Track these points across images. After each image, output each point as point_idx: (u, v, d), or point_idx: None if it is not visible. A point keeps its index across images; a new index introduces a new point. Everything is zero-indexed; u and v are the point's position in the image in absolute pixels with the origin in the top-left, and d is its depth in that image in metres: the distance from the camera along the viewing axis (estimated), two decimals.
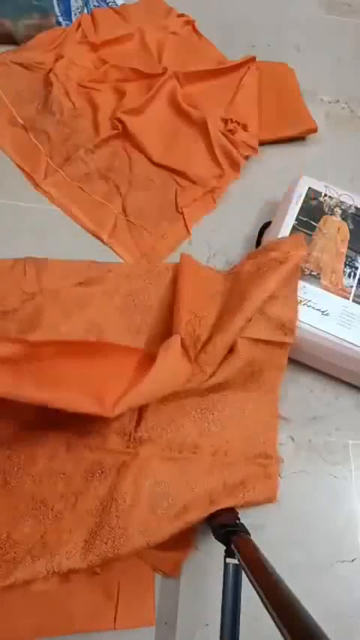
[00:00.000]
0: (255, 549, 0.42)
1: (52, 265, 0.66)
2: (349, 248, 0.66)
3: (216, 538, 0.49)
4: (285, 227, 0.66)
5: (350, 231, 0.68)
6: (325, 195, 0.70)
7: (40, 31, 0.87)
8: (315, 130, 0.85)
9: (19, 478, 0.52)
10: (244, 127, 0.82)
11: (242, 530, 0.48)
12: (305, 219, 0.67)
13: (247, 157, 0.82)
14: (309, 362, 0.65)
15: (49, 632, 0.49)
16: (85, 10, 0.92)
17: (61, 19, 0.90)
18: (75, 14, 0.91)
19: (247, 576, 0.37)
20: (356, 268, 0.65)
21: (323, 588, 0.55)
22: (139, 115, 0.80)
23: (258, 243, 0.73)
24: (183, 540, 0.53)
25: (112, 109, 0.80)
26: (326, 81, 0.94)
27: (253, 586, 0.35)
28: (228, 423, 0.58)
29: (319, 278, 0.63)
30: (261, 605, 0.32)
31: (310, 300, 0.60)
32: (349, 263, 0.65)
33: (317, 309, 0.60)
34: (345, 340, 0.58)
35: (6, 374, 0.47)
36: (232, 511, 0.54)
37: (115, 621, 0.50)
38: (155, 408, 0.56)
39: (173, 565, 0.53)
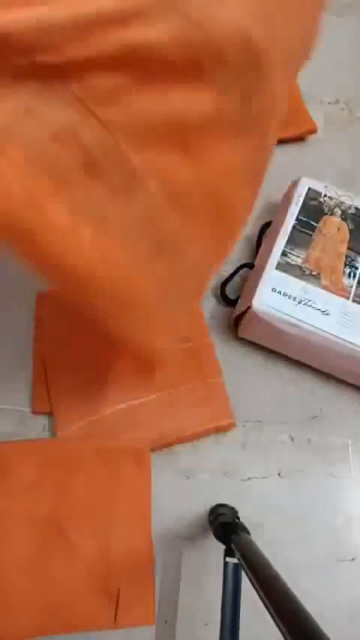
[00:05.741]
0: (255, 549, 0.42)
1: None
2: (348, 248, 0.66)
3: (216, 537, 0.49)
4: (285, 227, 0.66)
5: (350, 231, 0.68)
6: (325, 195, 0.70)
7: None
8: (315, 131, 0.85)
9: None
10: None
11: (242, 530, 0.48)
12: (305, 219, 0.67)
13: None
14: (309, 361, 0.65)
15: (49, 631, 0.49)
16: None
17: None
18: None
19: (247, 575, 0.37)
20: (356, 268, 0.65)
21: (323, 588, 0.55)
22: None
23: (258, 243, 0.73)
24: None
25: None
26: (326, 81, 0.94)
27: (253, 585, 0.35)
28: None
29: (319, 278, 0.63)
30: (261, 604, 0.32)
31: (310, 300, 0.61)
32: (349, 263, 0.65)
33: (317, 309, 0.60)
34: (345, 340, 0.59)
35: None
36: (231, 510, 0.54)
37: (115, 620, 0.50)
38: None
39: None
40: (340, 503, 0.59)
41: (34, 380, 0.59)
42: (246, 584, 0.40)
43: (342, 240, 0.67)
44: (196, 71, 0.34)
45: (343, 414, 0.64)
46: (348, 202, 0.70)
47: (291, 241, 0.65)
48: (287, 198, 0.72)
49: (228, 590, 0.42)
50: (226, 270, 0.70)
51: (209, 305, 0.68)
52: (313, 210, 0.68)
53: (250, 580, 0.36)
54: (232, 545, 0.44)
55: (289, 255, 0.64)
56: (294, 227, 0.66)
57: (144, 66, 0.33)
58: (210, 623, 0.52)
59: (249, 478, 0.59)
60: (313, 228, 0.67)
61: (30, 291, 0.64)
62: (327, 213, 0.69)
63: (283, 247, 0.64)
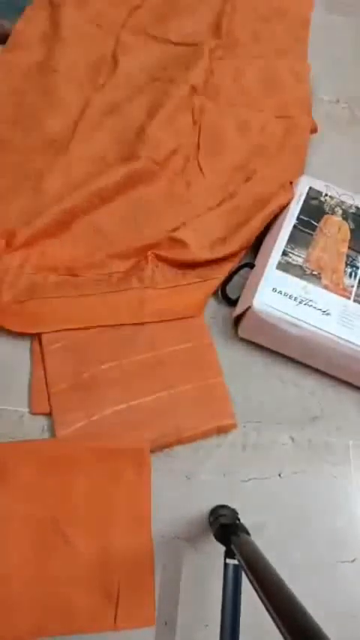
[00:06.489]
0: (255, 549, 0.41)
1: None
2: (349, 248, 0.66)
3: (216, 538, 0.49)
4: (286, 226, 0.66)
5: (351, 230, 0.68)
6: (326, 194, 0.70)
7: None
8: (315, 130, 0.85)
9: None
10: None
11: (242, 530, 0.47)
12: (306, 218, 0.67)
13: None
14: (309, 362, 0.65)
15: (49, 632, 0.49)
16: None
17: None
18: None
19: (247, 576, 0.37)
20: (357, 268, 0.65)
21: (323, 588, 0.55)
22: None
23: (259, 242, 0.73)
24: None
25: None
26: (326, 81, 0.94)
27: (253, 586, 0.35)
28: None
29: (320, 278, 0.63)
30: (261, 605, 0.32)
31: (310, 300, 0.60)
32: (350, 263, 0.65)
33: (318, 309, 0.60)
34: (346, 340, 0.58)
35: None
36: (232, 511, 0.54)
37: (115, 621, 0.49)
38: None
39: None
40: (341, 504, 0.59)
41: (32, 380, 0.59)
42: (246, 585, 0.39)
43: (343, 240, 0.67)
44: None
45: (344, 414, 0.64)
46: (349, 202, 0.70)
47: (292, 241, 0.65)
48: None
49: (228, 591, 0.42)
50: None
51: (209, 305, 0.68)
52: (314, 210, 0.68)
53: (251, 581, 0.36)
54: (233, 547, 0.44)
55: (290, 254, 0.64)
56: (295, 226, 0.66)
57: None
58: (210, 624, 0.51)
59: (249, 479, 0.58)
60: (313, 228, 0.67)
61: None
62: (328, 213, 0.68)
63: (283, 247, 0.64)
